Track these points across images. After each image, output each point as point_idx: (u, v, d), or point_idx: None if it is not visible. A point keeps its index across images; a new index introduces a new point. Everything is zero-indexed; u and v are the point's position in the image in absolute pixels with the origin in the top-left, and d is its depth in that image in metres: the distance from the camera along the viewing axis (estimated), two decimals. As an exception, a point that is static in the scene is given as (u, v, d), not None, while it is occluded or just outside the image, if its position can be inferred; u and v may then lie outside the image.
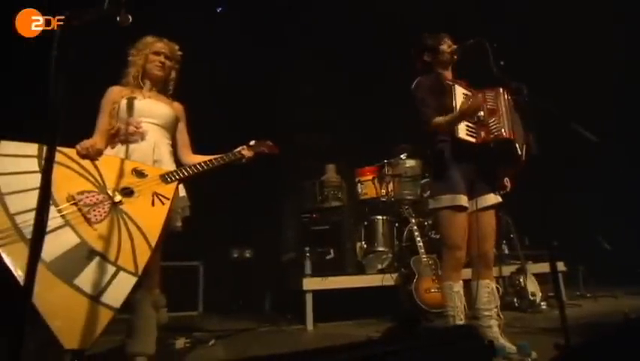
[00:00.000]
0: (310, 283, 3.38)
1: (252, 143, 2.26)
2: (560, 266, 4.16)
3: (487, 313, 2.14)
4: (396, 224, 4.04)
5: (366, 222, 4.11)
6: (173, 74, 2.23)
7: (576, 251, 4.34)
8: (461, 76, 2.41)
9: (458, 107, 2.09)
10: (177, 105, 2.25)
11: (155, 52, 2.14)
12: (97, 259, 1.54)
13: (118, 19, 1.96)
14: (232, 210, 5.25)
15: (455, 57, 2.32)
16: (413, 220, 3.73)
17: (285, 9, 5.22)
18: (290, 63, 5.56)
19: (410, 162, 4.35)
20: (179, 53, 2.22)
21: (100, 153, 1.86)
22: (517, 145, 2.09)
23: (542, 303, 3.61)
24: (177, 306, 4.13)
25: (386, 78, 5.25)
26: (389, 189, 4.27)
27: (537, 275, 3.81)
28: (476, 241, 2.21)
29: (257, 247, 4.96)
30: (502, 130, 2.06)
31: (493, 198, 2.21)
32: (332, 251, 3.77)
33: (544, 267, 3.98)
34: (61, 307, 1.40)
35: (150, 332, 1.85)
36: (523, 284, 3.68)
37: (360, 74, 5.72)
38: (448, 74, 2.36)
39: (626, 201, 5.37)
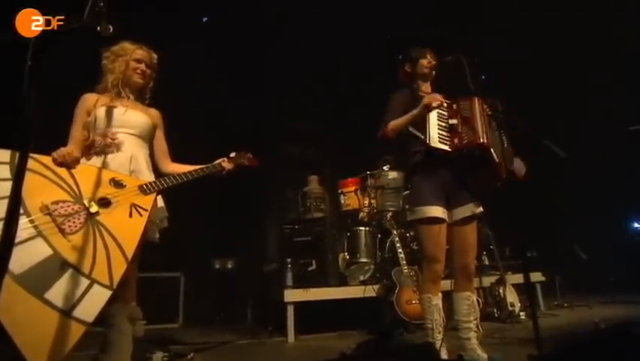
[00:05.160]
0: (292, 295, 3.35)
1: (232, 155, 2.26)
2: (538, 276, 4.24)
3: (466, 325, 2.14)
4: (379, 235, 4.07)
5: (348, 234, 4.12)
6: (151, 83, 2.20)
7: (554, 261, 4.44)
8: (441, 90, 2.47)
9: (430, 116, 2.11)
10: (154, 112, 2.21)
11: (136, 59, 2.10)
12: (70, 271, 1.49)
13: (99, 29, 1.97)
14: (214, 221, 5.21)
15: (434, 72, 2.36)
16: (395, 232, 3.76)
17: (272, 21, 5.27)
18: (275, 75, 5.59)
19: (392, 174, 4.40)
20: (156, 61, 2.19)
21: (77, 161, 1.81)
22: (492, 151, 2.07)
23: (521, 313, 3.66)
24: (157, 318, 4.05)
25: (370, 90, 5.32)
26: (371, 201, 4.31)
27: (517, 286, 3.86)
28: (457, 252, 2.21)
29: (239, 257, 4.92)
30: (476, 136, 2.05)
31: (471, 209, 2.18)
32: (314, 262, 3.76)
33: (523, 277, 4.04)
34: (28, 322, 1.34)
35: (125, 346, 1.81)
36: (502, 295, 3.73)
37: (343, 86, 5.79)
38: (427, 87, 2.40)
39: (601, 211, 5.54)
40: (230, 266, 4.87)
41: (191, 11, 5.15)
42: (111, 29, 1.94)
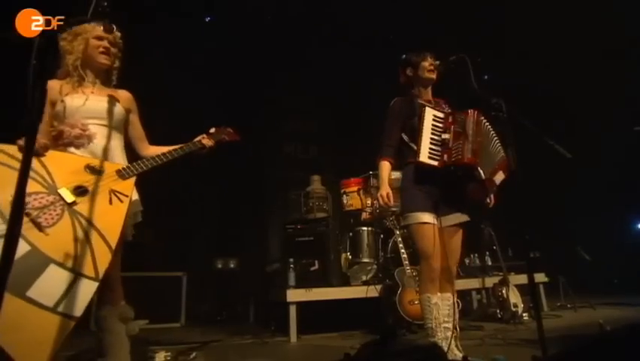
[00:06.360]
0: (294, 295, 3.36)
1: (212, 130, 2.17)
2: (542, 277, 4.22)
3: (445, 325, 2.18)
4: (381, 235, 4.06)
5: (351, 234, 4.12)
6: (117, 63, 2.02)
7: (557, 262, 4.42)
8: (445, 94, 2.48)
9: (424, 129, 2.17)
10: (124, 95, 2.03)
11: (97, 36, 1.91)
12: (51, 266, 1.42)
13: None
14: (217, 221, 5.22)
15: (435, 74, 2.35)
16: (397, 232, 3.75)
17: (274, 21, 5.27)
18: (277, 75, 5.59)
19: (395, 174, 4.34)
20: (121, 41, 2.01)
21: (46, 147, 1.67)
22: (479, 169, 2.13)
23: (524, 314, 3.65)
24: (159, 317, 4.07)
25: (372, 90, 5.33)
26: (374, 201, 4.30)
27: (520, 286, 3.85)
28: (442, 256, 2.24)
29: (241, 257, 4.93)
30: (463, 154, 2.10)
31: (455, 218, 2.27)
32: (316, 262, 3.76)
33: (526, 278, 4.03)
34: (13, 323, 1.26)
35: (122, 347, 1.79)
36: (505, 296, 3.72)
37: (346, 86, 5.79)
38: (428, 92, 2.41)
39: (605, 212, 5.52)
40: (232, 266, 4.88)
41: (195, 10, 5.17)
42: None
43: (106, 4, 1.40)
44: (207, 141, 2.10)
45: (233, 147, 2.31)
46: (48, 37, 1.19)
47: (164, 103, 4.50)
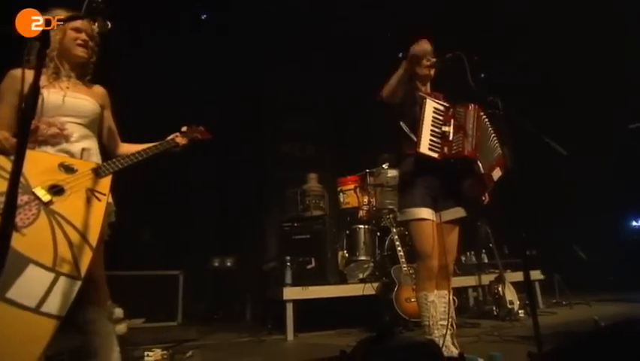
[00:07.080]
0: (291, 293, 3.35)
1: (184, 129, 2.17)
2: (537, 275, 4.25)
3: (442, 322, 2.18)
4: (378, 233, 4.07)
5: (347, 232, 4.13)
6: (94, 57, 1.95)
7: (553, 259, 4.45)
8: (443, 89, 2.48)
9: (424, 120, 2.14)
10: (99, 91, 1.98)
11: (75, 28, 1.84)
12: (30, 266, 1.40)
13: (95, 25, 1.94)
14: (213, 219, 5.21)
15: (432, 71, 2.36)
16: (394, 230, 3.76)
17: (274, 20, 5.26)
18: (274, 73, 5.58)
19: (392, 172, 4.39)
20: (97, 33, 1.93)
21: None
22: (478, 163, 2.12)
23: (520, 311, 3.67)
24: (156, 316, 4.06)
25: (369, 88, 5.31)
26: (371, 199, 4.31)
27: (516, 284, 3.87)
28: (440, 254, 2.24)
29: (238, 256, 4.92)
30: (464, 147, 2.09)
31: (454, 213, 2.26)
32: (313, 260, 3.76)
33: (522, 275, 4.04)
34: None
35: (112, 347, 1.77)
36: (501, 293, 3.74)
37: (343, 85, 5.78)
38: (426, 88, 2.41)
39: (600, 210, 5.55)
40: (229, 264, 4.86)
41: (193, 8, 5.15)
42: (109, 26, 1.93)
43: (100, 0, 1.39)
44: (181, 140, 2.11)
45: (231, 144, 2.31)
46: (45, 34, 1.18)
47: (162, 101, 4.49)
